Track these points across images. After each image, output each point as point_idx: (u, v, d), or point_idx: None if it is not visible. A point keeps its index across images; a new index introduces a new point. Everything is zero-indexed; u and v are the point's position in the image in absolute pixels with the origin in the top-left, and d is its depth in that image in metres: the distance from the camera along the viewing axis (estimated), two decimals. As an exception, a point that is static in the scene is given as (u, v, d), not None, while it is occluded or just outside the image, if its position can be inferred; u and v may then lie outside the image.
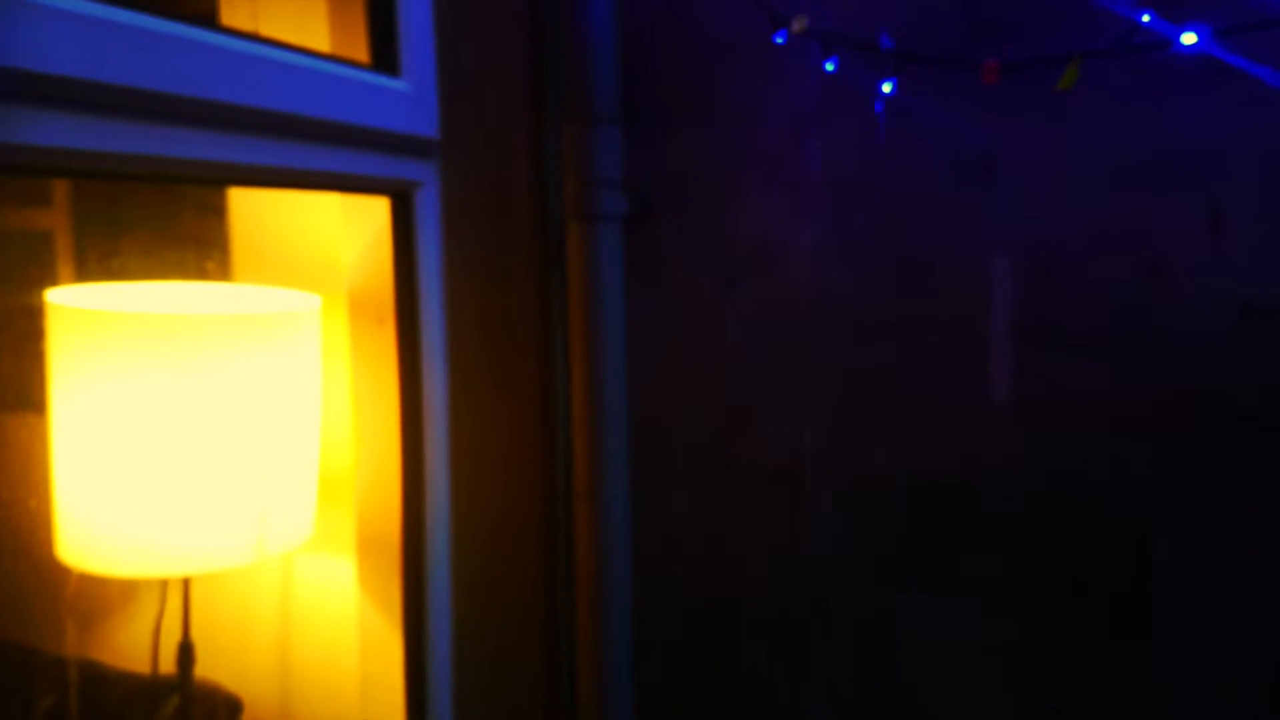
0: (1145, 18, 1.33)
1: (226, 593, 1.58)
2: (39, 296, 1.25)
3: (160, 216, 1.48)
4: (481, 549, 1.62)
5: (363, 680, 1.51)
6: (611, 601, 1.79)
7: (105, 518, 1.20)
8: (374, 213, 1.42)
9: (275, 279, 1.52)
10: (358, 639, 1.51)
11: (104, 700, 1.44)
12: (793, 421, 1.71)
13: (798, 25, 1.52)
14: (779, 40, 1.57)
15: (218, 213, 1.54)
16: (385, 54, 1.34)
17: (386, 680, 1.49)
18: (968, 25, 1.52)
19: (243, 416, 1.25)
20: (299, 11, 1.38)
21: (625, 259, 1.77)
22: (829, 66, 1.57)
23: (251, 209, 1.55)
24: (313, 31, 1.36)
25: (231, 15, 1.40)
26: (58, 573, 1.30)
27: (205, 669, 1.42)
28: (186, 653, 1.37)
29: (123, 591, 1.53)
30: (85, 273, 1.45)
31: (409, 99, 1.37)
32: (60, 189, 1.49)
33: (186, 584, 1.37)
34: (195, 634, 1.38)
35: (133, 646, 1.49)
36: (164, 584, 1.43)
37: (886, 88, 1.54)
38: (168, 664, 1.39)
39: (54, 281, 1.44)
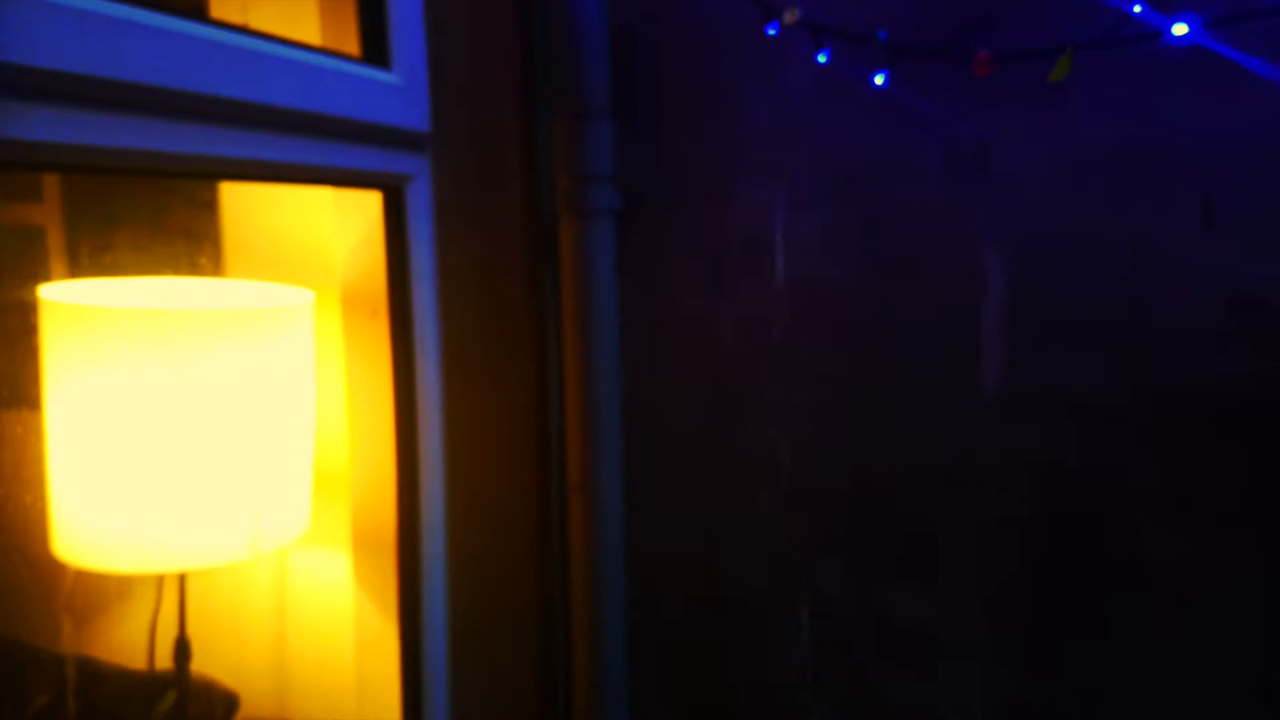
0: (1137, 8, 1.33)
1: (223, 588, 1.58)
2: (32, 292, 1.25)
3: (153, 211, 1.48)
4: (476, 542, 1.62)
5: (359, 674, 1.51)
6: (605, 594, 1.79)
7: (100, 514, 1.20)
8: (366, 207, 1.42)
9: (268, 274, 1.52)
10: (354, 633, 1.51)
11: (100, 696, 1.43)
12: (784, 415, 1.71)
13: (790, 17, 1.52)
14: (771, 32, 1.57)
15: (210, 208, 1.54)
16: (376, 47, 1.34)
17: (382, 674, 1.49)
18: (960, 17, 1.52)
19: (237, 412, 1.25)
20: (289, 4, 1.38)
21: (618, 253, 1.77)
22: (821, 58, 1.56)
23: (244, 204, 1.54)
24: (303, 24, 1.35)
25: (221, 8, 1.39)
26: (53, 569, 1.30)
27: (202, 664, 1.42)
28: (183, 648, 1.38)
29: (118, 587, 1.53)
30: (78, 268, 1.45)
31: (400, 92, 1.37)
32: (52, 184, 1.49)
33: (182, 580, 1.37)
34: (191, 630, 1.38)
35: (129, 642, 1.49)
36: (160, 580, 1.43)
37: (879, 80, 1.53)
38: (164, 660, 1.39)
39: (47, 277, 1.45)
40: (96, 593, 1.52)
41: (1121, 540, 1.50)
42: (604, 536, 1.78)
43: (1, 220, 1.48)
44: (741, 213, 1.70)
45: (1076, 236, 1.49)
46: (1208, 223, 1.42)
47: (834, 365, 1.66)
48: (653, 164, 1.75)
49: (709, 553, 1.79)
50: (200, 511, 1.23)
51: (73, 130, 0.91)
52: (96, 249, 1.43)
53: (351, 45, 1.35)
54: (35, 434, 1.26)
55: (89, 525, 1.21)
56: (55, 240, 1.47)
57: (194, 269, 1.51)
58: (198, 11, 1.04)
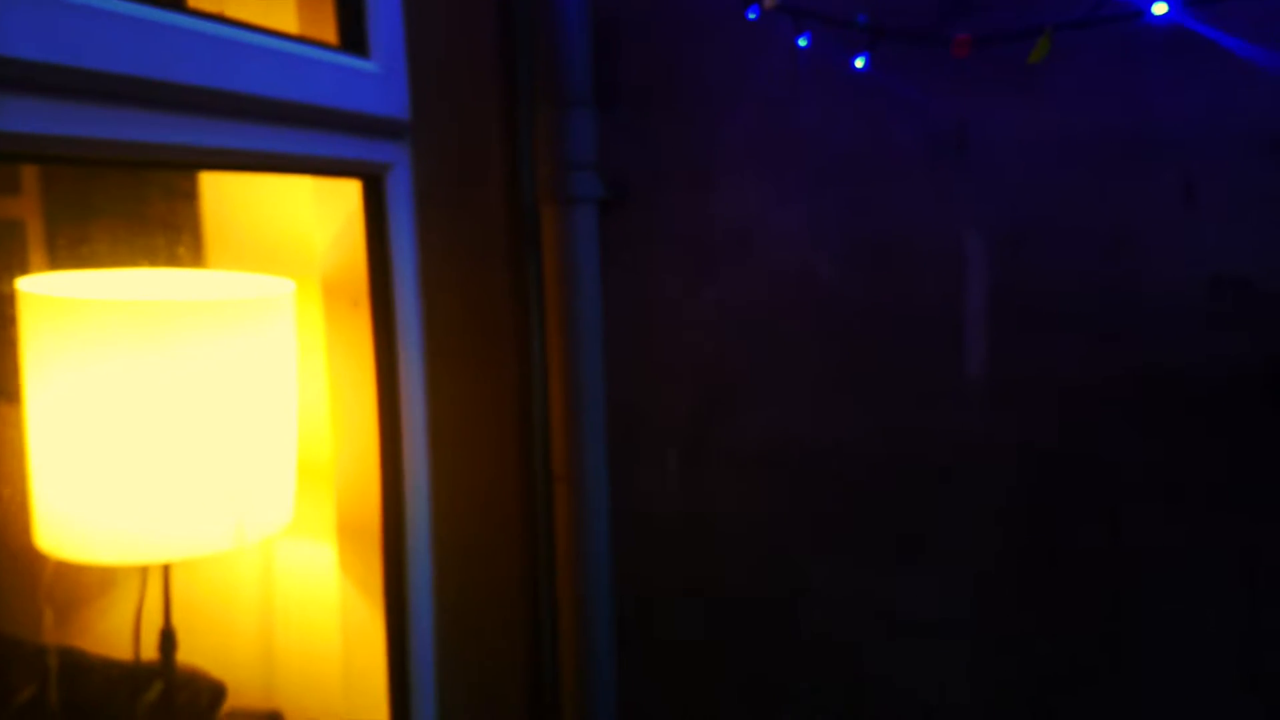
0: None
1: (209, 579, 1.58)
2: (10, 284, 1.25)
3: (132, 203, 1.47)
4: (461, 533, 1.62)
5: (346, 663, 1.51)
6: (591, 582, 1.79)
7: (82, 505, 1.20)
8: (346, 196, 1.41)
9: (249, 264, 1.52)
10: (340, 623, 1.51)
11: (86, 687, 1.43)
12: (770, 403, 1.70)
13: (769, 1, 1.52)
14: (752, 16, 1.57)
15: (189, 198, 1.53)
16: (353, 35, 1.33)
17: (369, 663, 1.49)
18: (940, 0, 1.51)
19: (219, 403, 1.25)
20: (266, -7, 1.38)
21: (602, 242, 1.76)
22: (802, 42, 1.56)
23: (224, 194, 1.54)
24: (280, 13, 1.35)
25: (198, -4, 1.39)
26: (36, 561, 1.30)
27: (188, 655, 1.42)
28: (168, 639, 1.38)
29: (103, 578, 1.53)
30: (57, 260, 1.44)
31: (378, 80, 1.36)
32: (30, 176, 1.48)
33: (166, 571, 1.37)
34: (177, 620, 1.38)
35: (115, 634, 1.49)
36: (144, 571, 1.43)
37: (859, 63, 1.53)
38: (150, 651, 1.39)
39: (25, 270, 1.44)
40: (81, 584, 1.51)
41: (1106, 524, 1.50)
42: (589, 526, 1.78)
43: (-21, 213, 1.48)
44: (725, 200, 1.69)
45: (1059, 220, 1.49)
46: (1189, 204, 1.42)
47: (819, 353, 1.66)
48: (636, 151, 1.74)
49: (695, 542, 1.78)
50: (183, 502, 1.23)
51: (49, 121, 0.91)
52: (75, 241, 1.43)
53: (329, 33, 1.34)
54: (16, 426, 1.25)
55: (71, 517, 1.21)
56: (34, 232, 1.47)
57: (173, 260, 1.51)
58: (175, 0, 1.03)
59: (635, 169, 1.75)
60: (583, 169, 1.71)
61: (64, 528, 1.22)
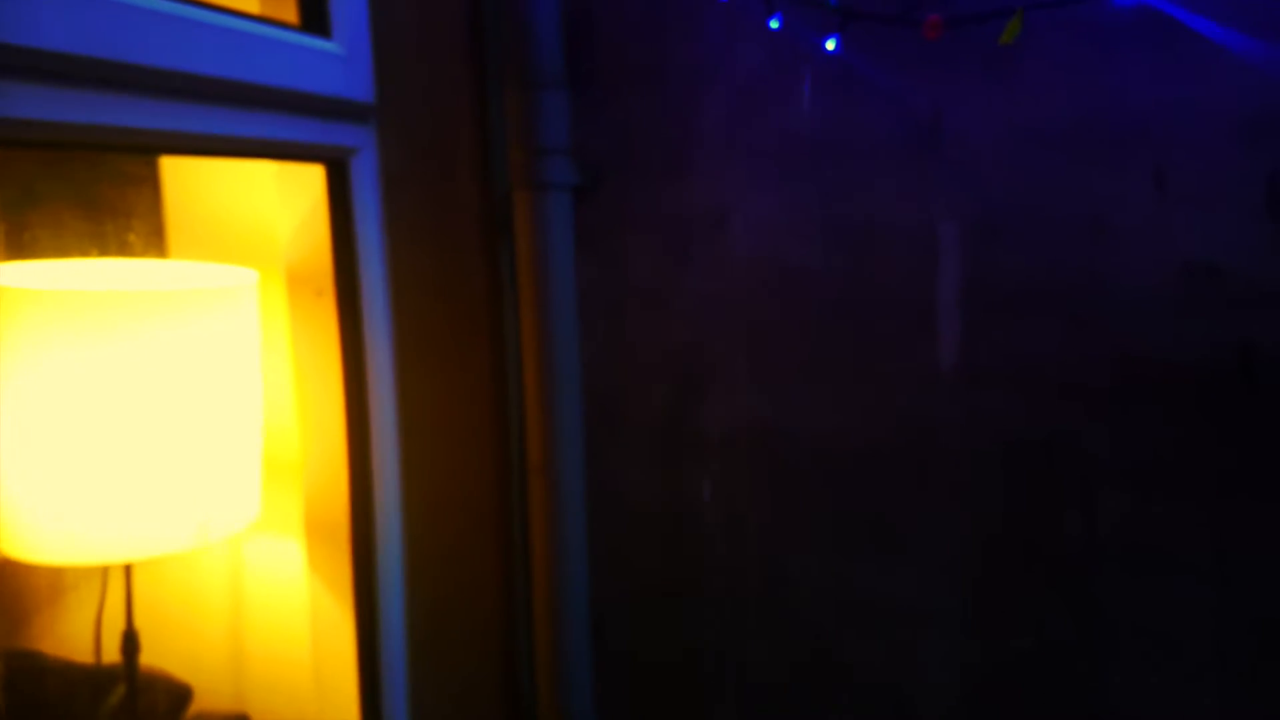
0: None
1: (174, 578, 1.56)
2: (-39, 275, 1.22)
3: (91, 191, 1.44)
4: (435, 527, 1.61)
5: (316, 664, 1.50)
6: (568, 577, 1.78)
7: (37, 504, 1.18)
8: (310, 181, 1.39)
9: (211, 253, 1.49)
10: (310, 622, 1.50)
11: (45, 691, 1.40)
12: (746, 391, 1.70)
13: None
14: (724, -2, 1.55)
15: (151, 186, 1.50)
16: (315, 15, 1.31)
17: (339, 663, 1.47)
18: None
19: (179, 397, 1.23)
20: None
21: (576, 229, 1.75)
22: (774, 24, 1.54)
23: (186, 182, 1.51)
24: (238, -8, 1.32)
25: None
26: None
27: (152, 657, 1.40)
28: (130, 641, 1.35)
29: (63, 579, 1.49)
30: (12, 250, 1.40)
31: (341, 61, 1.34)
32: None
33: (128, 571, 1.35)
34: (141, 621, 1.36)
35: (76, 636, 1.46)
36: (104, 571, 1.41)
37: (830, 45, 1.52)
38: (113, 653, 1.37)
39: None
40: (39, 585, 1.48)
41: (1079, 508, 1.51)
42: (565, 518, 1.77)
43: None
44: (701, 187, 1.69)
45: (1031, 206, 1.49)
46: (1160, 190, 1.42)
47: (795, 340, 1.66)
48: (610, 137, 1.73)
49: (674, 530, 1.78)
50: (143, 501, 1.21)
51: (-4, 102, 0.88)
52: (31, 230, 1.39)
53: (290, 14, 1.32)
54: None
55: (25, 516, 1.18)
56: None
57: (134, 250, 1.48)
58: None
59: (609, 154, 1.73)
60: (556, 154, 1.69)
61: (18, 527, 1.19)
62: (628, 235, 1.74)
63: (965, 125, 1.52)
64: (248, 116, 1.20)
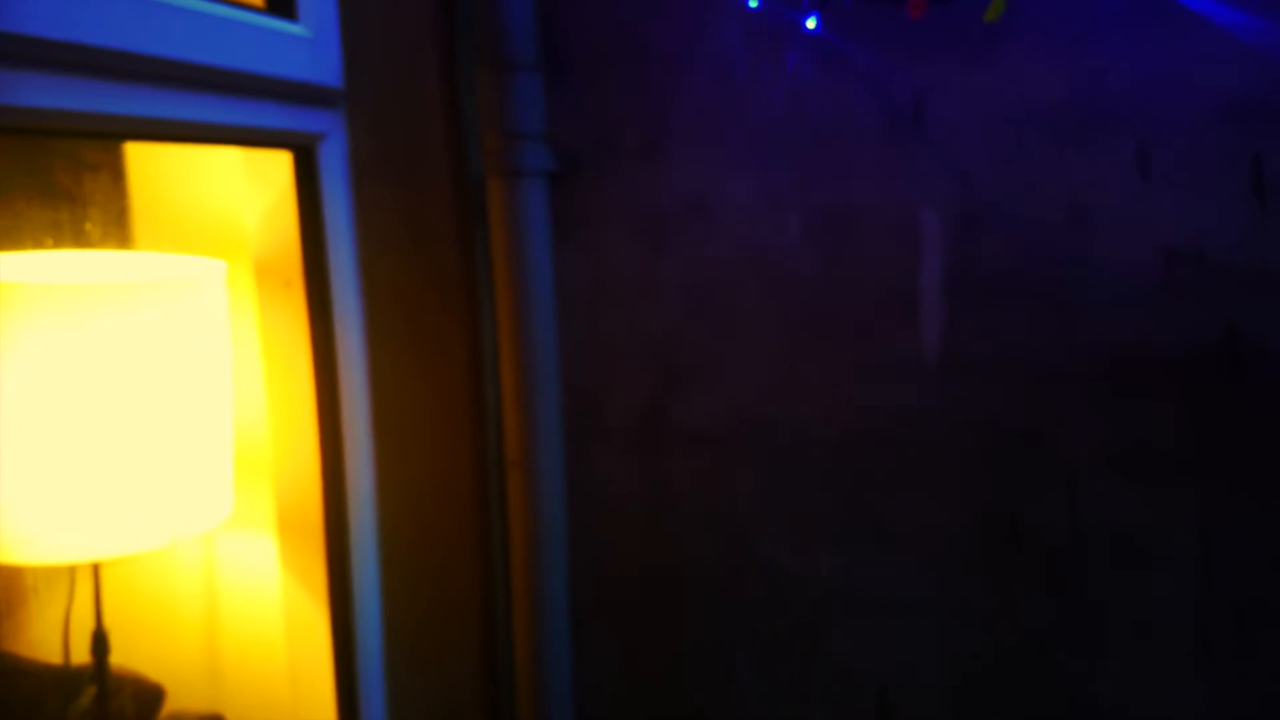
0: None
1: (145, 576, 1.54)
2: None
3: (48, 179, 1.41)
4: (411, 521, 1.60)
5: (291, 662, 1.49)
6: (547, 571, 1.77)
7: (1, 501, 1.15)
8: (277, 169, 1.37)
9: (177, 244, 1.47)
10: (284, 620, 1.48)
11: (13, 693, 1.38)
12: (726, 380, 1.70)
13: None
14: (702, -22, 1.54)
15: (111, 174, 1.48)
16: (280, -3, 1.29)
17: (315, 660, 1.46)
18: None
19: (146, 391, 1.20)
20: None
21: (552, 216, 1.74)
22: (753, 2, 1.53)
23: (150, 170, 1.49)
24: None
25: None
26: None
27: (124, 657, 1.38)
28: (100, 641, 1.33)
29: (31, 579, 1.47)
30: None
31: (308, 45, 1.32)
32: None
33: (96, 570, 1.32)
34: (112, 621, 1.33)
35: (46, 636, 1.44)
36: (72, 570, 1.39)
37: (811, 23, 1.52)
38: (83, 654, 1.35)
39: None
40: (5, 586, 1.46)
41: (1064, 496, 1.52)
42: (544, 512, 1.76)
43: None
44: (679, 173, 1.68)
45: (1013, 191, 1.50)
46: (1144, 175, 1.42)
47: (776, 329, 1.65)
48: (586, 122, 1.71)
49: (654, 524, 1.77)
50: (110, 498, 1.18)
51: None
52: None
53: (256, -4, 1.29)
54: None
55: (-14, 515, 1.15)
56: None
57: (99, 241, 1.46)
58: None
59: (585, 140, 1.72)
60: (530, 139, 1.68)
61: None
62: (605, 223, 1.73)
63: (947, 109, 1.52)
64: (213, 101, 1.18)
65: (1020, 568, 1.55)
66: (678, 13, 1.63)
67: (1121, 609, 1.50)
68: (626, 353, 1.75)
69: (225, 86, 1.19)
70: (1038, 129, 1.47)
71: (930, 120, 1.52)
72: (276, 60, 1.26)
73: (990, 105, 1.49)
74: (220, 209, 1.45)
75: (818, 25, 1.52)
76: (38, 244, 1.38)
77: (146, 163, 1.49)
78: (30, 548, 1.17)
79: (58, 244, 1.40)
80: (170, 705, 1.46)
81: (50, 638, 1.40)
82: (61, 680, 1.39)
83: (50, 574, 1.44)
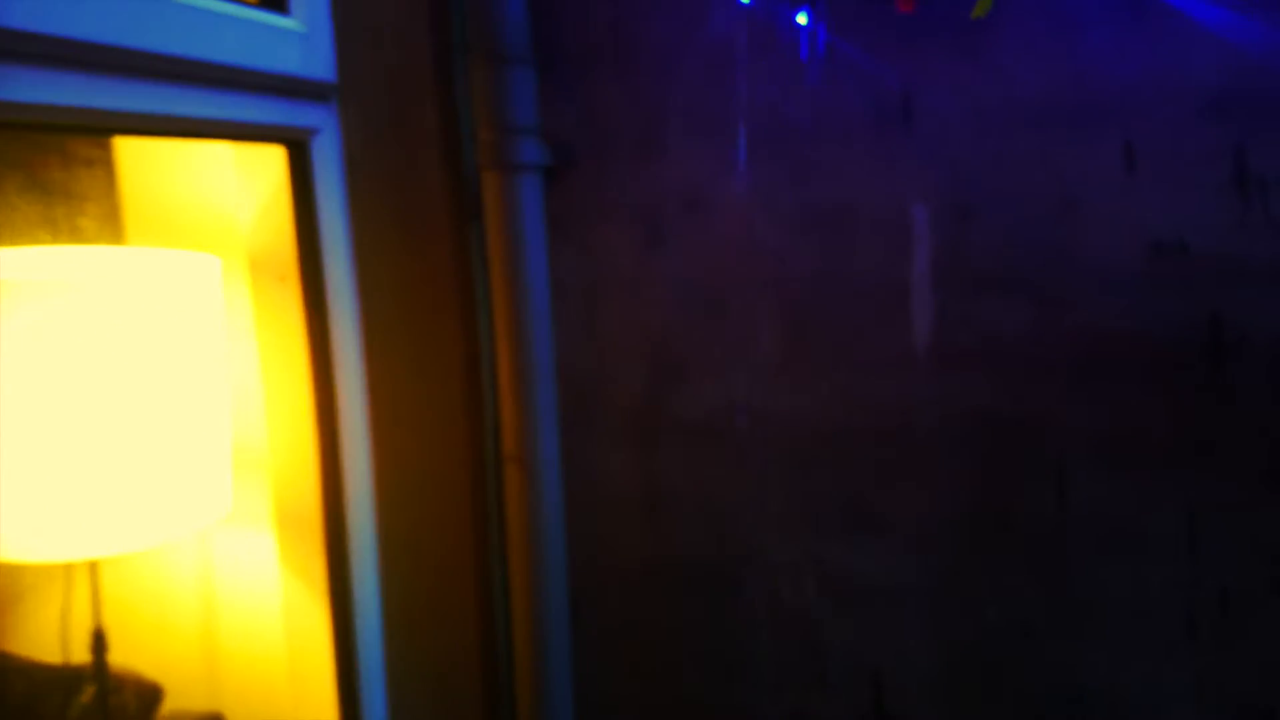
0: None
1: (143, 574, 1.54)
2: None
3: (41, 175, 1.41)
4: (409, 516, 1.60)
5: (290, 659, 1.49)
6: (545, 563, 1.77)
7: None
8: (271, 163, 1.37)
9: (171, 239, 1.47)
10: (283, 617, 1.48)
11: (12, 692, 1.38)
12: (722, 374, 1.70)
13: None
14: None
15: (104, 169, 1.48)
16: (273, -9, 1.29)
17: (315, 656, 1.46)
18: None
19: (144, 388, 1.20)
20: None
21: (547, 210, 1.74)
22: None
23: (143, 166, 1.49)
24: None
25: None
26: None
27: (123, 656, 1.38)
28: (99, 640, 1.33)
29: (31, 576, 1.47)
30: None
31: (301, 39, 1.32)
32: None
33: (94, 568, 1.32)
34: (111, 619, 1.34)
35: (43, 636, 1.45)
36: (68, 568, 1.39)
37: (802, 19, 1.53)
38: (82, 653, 1.34)
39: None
40: (3, 582, 1.46)
41: (1052, 486, 1.53)
42: (542, 506, 1.77)
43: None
44: (675, 167, 1.68)
45: (1002, 185, 1.51)
46: (1130, 169, 1.44)
47: (772, 322, 1.66)
48: (581, 115, 1.72)
49: (651, 515, 1.78)
50: (107, 496, 1.18)
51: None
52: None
53: (248, -9, 1.29)
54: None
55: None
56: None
57: (92, 237, 1.46)
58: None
59: (580, 134, 1.73)
60: (525, 133, 1.68)
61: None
62: (600, 217, 1.74)
63: (937, 106, 1.53)
64: (206, 96, 1.18)
65: (1010, 555, 1.57)
66: (671, 7, 1.64)
67: (1109, 595, 1.52)
68: (622, 346, 1.76)
69: (218, 81, 1.19)
70: (1026, 123, 1.49)
71: (919, 115, 1.54)
72: (269, 54, 1.25)
73: (979, 100, 1.50)
74: (214, 204, 1.44)
75: (810, 21, 1.53)
76: (31, 239, 1.38)
77: (139, 158, 1.49)
78: (27, 546, 1.17)
79: (52, 239, 1.40)
80: (169, 704, 1.45)
81: (47, 637, 1.41)
82: (60, 679, 1.38)
83: (47, 572, 1.45)
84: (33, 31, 0.93)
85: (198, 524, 1.29)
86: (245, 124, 1.26)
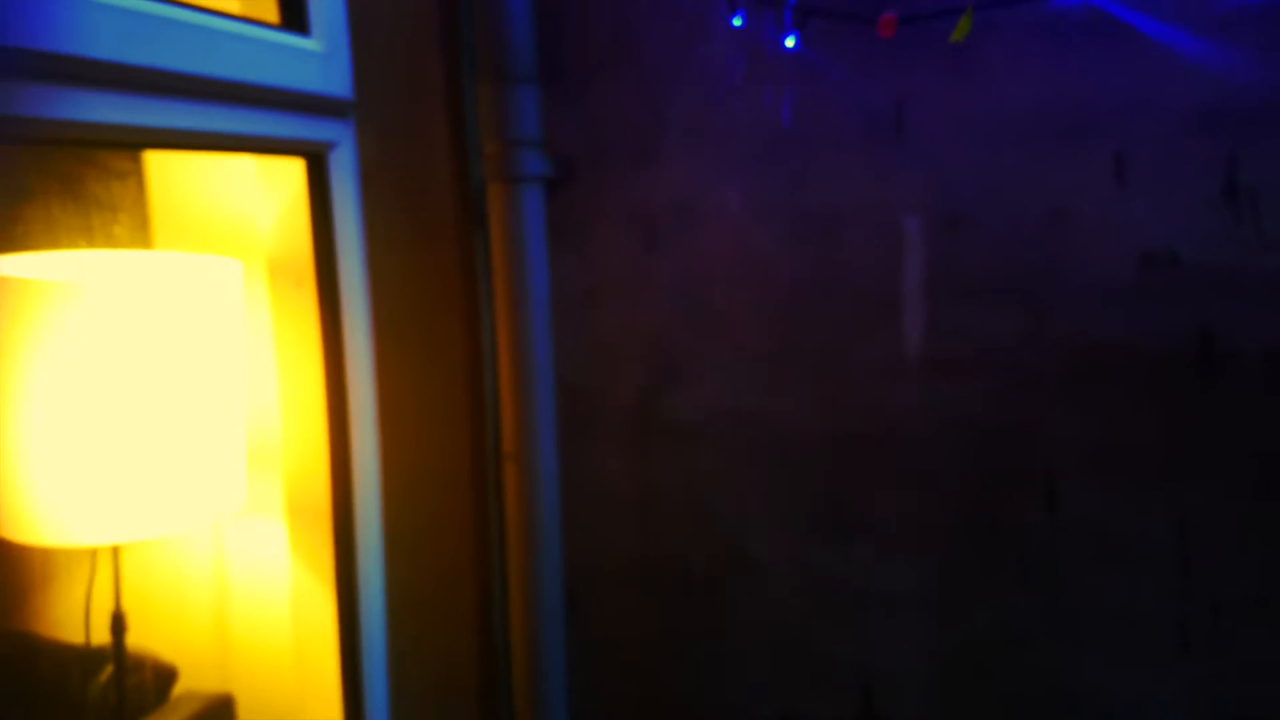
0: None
1: (160, 561, 1.57)
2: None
3: (79, 186, 1.45)
4: (413, 511, 1.62)
5: (298, 643, 1.51)
6: (542, 560, 1.79)
7: (31, 488, 1.19)
8: (290, 175, 1.41)
9: (195, 245, 1.50)
10: (292, 604, 1.51)
11: (36, 671, 1.42)
12: (716, 378, 1.71)
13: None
14: (690, -4, 1.58)
15: (136, 181, 1.51)
16: (295, 13, 1.33)
17: (321, 641, 1.49)
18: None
19: (168, 384, 1.24)
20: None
21: (549, 219, 1.76)
22: (736, 21, 1.57)
23: (169, 175, 1.52)
24: (221, -8, 1.35)
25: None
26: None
27: (140, 638, 1.41)
28: (119, 622, 1.36)
29: (54, 561, 1.50)
30: (4, 243, 1.42)
31: (320, 58, 1.36)
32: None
33: (116, 553, 1.35)
34: (129, 603, 1.36)
35: (68, 617, 1.47)
36: (93, 553, 1.42)
37: (789, 42, 1.54)
38: (102, 634, 1.38)
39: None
40: (31, 567, 1.50)
41: (1043, 495, 1.52)
42: (539, 504, 1.78)
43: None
44: (671, 178, 1.69)
45: (993, 197, 1.50)
46: (1120, 181, 1.43)
47: (765, 329, 1.67)
48: (582, 129, 1.74)
49: (644, 515, 1.79)
50: (131, 486, 1.22)
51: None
52: (17, 223, 1.41)
53: (271, 13, 1.34)
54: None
55: (19, 499, 1.20)
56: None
57: (111, 240, 1.49)
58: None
59: (582, 146, 1.74)
60: (528, 147, 1.71)
61: (13, 510, 1.20)
62: (599, 226, 1.75)
63: (929, 118, 1.52)
64: (230, 112, 1.22)
65: (1000, 562, 1.55)
66: (668, 29, 1.66)
67: (1100, 604, 1.50)
68: (619, 351, 1.77)
69: (242, 98, 1.23)
70: (1017, 135, 1.47)
71: (912, 127, 1.53)
72: (290, 73, 1.30)
73: (970, 112, 1.49)
74: (237, 213, 1.48)
75: (796, 44, 1.54)
76: (71, 245, 1.42)
77: (166, 169, 1.52)
78: (57, 531, 1.20)
79: (88, 245, 1.44)
80: (182, 684, 1.48)
81: (72, 618, 1.43)
82: (83, 659, 1.41)
83: (73, 557, 1.47)
84: (73, 55, 0.97)
85: (214, 515, 1.32)
86: (267, 138, 1.30)
